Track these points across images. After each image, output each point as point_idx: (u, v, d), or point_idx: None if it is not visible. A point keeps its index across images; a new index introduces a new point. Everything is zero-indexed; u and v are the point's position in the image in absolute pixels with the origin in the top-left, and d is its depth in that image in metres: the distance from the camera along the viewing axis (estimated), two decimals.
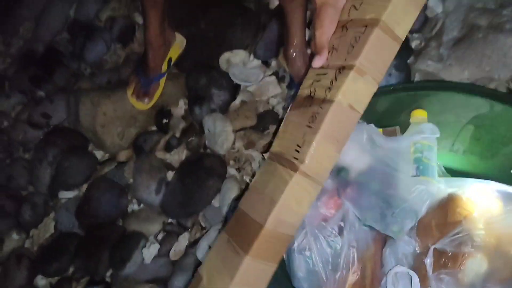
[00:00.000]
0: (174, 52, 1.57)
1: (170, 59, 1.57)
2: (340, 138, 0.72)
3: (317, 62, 0.77)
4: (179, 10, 1.66)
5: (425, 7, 1.46)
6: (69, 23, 2.01)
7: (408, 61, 1.38)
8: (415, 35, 1.45)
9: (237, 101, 1.51)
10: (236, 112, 1.49)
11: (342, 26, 0.76)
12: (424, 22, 1.44)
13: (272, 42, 1.54)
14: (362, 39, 0.70)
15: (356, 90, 0.70)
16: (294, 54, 1.35)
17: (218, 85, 1.52)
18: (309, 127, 0.72)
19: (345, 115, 0.71)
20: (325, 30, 0.77)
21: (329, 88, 0.72)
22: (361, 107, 0.72)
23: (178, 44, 1.58)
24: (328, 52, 0.77)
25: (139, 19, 1.86)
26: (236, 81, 1.54)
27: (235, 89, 1.54)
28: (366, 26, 0.71)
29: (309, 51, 1.42)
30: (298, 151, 0.72)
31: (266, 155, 1.39)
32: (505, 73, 1.23)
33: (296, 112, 0.79)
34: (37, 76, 1.85)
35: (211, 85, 1.52)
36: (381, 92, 0.86)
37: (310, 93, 0.77)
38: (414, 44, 1.43)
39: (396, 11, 0.69)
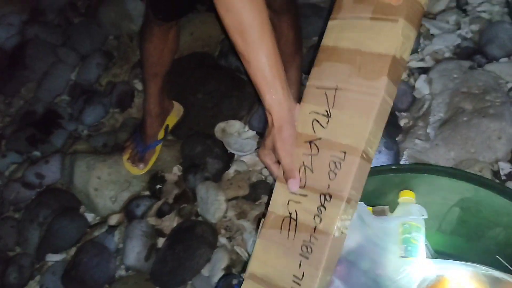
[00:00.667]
0: (171, 119, 1.62)
1: (167, 126, 1.62)
2: (334, 263, 0.75)
3: (294, 186, 0.76)
4: (179, 81, 1.73)
5: (413, 88, 1.54)
6: (70, 86, 2.07)
7: (397, 139, 1.44)
8: (404, 114, 1.52)
9: (230, 170, 1.55)
10: (229, 181, 1.52)
11: (309, 142, 0.77)
12: (412, 102, 1.52)
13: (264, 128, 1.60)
14: (345, 168, 0.72)
15: (346, 217, 0.73)
16: None
17: (213, 154, 1.56)
18: (305, 257, 0.73)
19: (338, 242, 0.74)
20: (290, 152, 0.77)
21: (319, 217, 0.73)
22: (347, 229, 0.74)
23: (176, 112, 1.63)
24: (299, 169, 0.77)
25: (138, 86, 1.93)
26: (230, 150, 1.58)
27: (229, 158, 1.58)
28: (345, 153, 0.73)
29: None
30: (298, 283, 0.73)
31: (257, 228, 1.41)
32: (489, 155, 1.29)
33: (275, 233, 0.78)
34: (35, 136, 1.88)
35: (206, 154, 1.56)
36: (371, 172, 0.90)
37: (290, 215, 0.77)
38: (402, 122, 1.50)
39: (371, 138, 0.73)
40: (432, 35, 1.65)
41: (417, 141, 1.38)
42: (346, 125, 0.74)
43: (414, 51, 1.63)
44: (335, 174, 0.73)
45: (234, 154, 1.58)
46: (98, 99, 1.94)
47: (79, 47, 2.16)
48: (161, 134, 1.59)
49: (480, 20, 1.62)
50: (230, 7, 0.74)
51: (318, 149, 0.76)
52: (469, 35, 1.61)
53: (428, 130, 1.41)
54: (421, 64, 1.60)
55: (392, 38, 0.73)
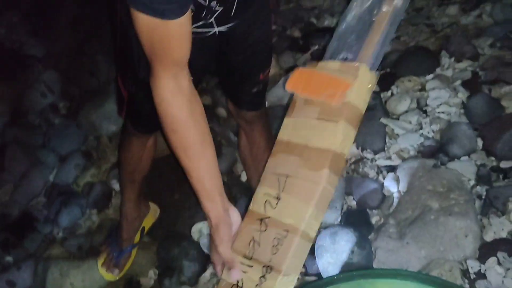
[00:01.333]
0: (148, 221, 1.64)
1: (143, 229, 1.63)
2: None
3: (234, 276, 0.86)
4: (156, 181, 1.77)
5: (382, 186, 1.60)
6: (47, 188, 2.08)
7: (369, 237, 1.47)
8: (375, 211, 1.56)
9: (207, 273, 1.54)
10: (205, 284, 1.50)
11: (260, 219, 0.89)
12: (382, 199, 1.57)
13: (242, 215, 1.62)
14: (286, 245, 0.83)
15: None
16: None
17: (189, 256, 1.56)
18: None
19: None
20: (227, 244, 0.89)
21: (260, 286, 0.83)
22: None
23: (152, 214, 1.65)
24: (249, 243, 0.87)
25: (116, 186, 1.95)
26: (207, 251, 1.58)
27: (206, 260, 1.57)
28: (287, 231, 0.84)
29: None
30: None
31: None
32: (458, 253, 1.32)
33: None
34: (8, 241, 1.85)
35: (182, 256, 1.56)
36: (342, 278, 0.93)
37: (237, 283, 0.87)
38: (374, 220, 1.54)
39: (311, 220, 0.84)
40: (397, 134, 1.75)
41: (388, 239, 1.41)
42: (292, 207, 0.86)
43: (381, 149, 1.72)
44: (277, 249, 0.84)
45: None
46: (75, 200, 1.95)
47: (59, 148, 2.20)
48: (137, 238, 1.59)
49: (440, 120, 1.73)
50: (176, 128, 0.85)
51: (266, 226, 0.88)
52: (431, 135, 1.71)
53: (398, 228, 1.45)
54: (388, 162, 1.67)
55: (333, 136, 0.86)
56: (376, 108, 1.85)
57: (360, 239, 1.41)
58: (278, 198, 0.89)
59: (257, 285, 0.84)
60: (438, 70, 1.94)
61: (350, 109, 0.87)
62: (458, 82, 1.85)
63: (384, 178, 1.63)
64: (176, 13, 0.77)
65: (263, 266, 0.84)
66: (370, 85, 0.92)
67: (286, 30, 2.51)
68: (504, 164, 1.55)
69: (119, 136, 2.00)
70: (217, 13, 1.02)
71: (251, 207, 0.94)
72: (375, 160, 1.70)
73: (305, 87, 0.95)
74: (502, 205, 1.42)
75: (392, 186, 1.58)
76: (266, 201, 0.90)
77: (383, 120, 1.79)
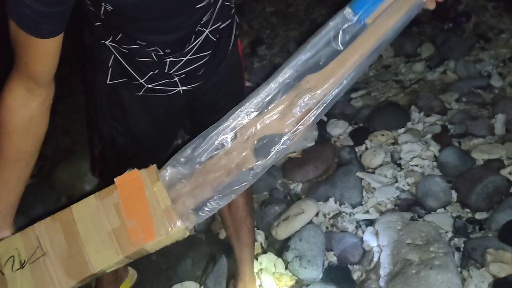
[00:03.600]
0: (125, 286, 1.58)
1: None
2: None
3: None
4: None
5: (362, 240, 1.60)
6: None
7: None
8: (356, 267, 1.55)
9: None
10: None
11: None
12: (363, 254, 1.57)
13: (222, 275, 1.59)
14: None
15: None
16: None
17: None
18: None
19: None
20: None
21: None
22: None
23: (130, 278, 1.59)
24: None
25: None
26: None
27: None
28: None
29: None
30: None
31: None
32: None
33: None
34: None
35: None
36: None
37: None
38: (355, 276, 1.53)
39: None
40: (374, 188, 1.77)
41: None
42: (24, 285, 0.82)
43: (359, 203, 1.74)
44: None
45: None
46: None
47: (30, 211, 2.13)
48: None
49: (414, 173, 1.78)
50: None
51: None
52: (406, 188, 1.74)
53: (380, 283, 1.44)
54: (366, 216, 1.69)
55: (105, 259, 0.82)
56: (352, 163, 1.88)
57: None
58: (21, 265, 0.83)
59: None
60: (409, 124, 2.01)
61: (139, 251, 0.83)
62: (429, 135, 1.91)
63: (363, 232, 1.63)
64: (47, 34, 0.77)
65: None
66: (176, 239, 0.87)
67: None
68: (479, 216, 1.59)
69: None
70: (181, 71, 1.02)
71: None
72: (354, 214, 1.71)
73: (129, 196, 0.85)
74: (480, 257, 1.43)
75: (372, 241, 1.58)
76: (12, 256, 0.84)
77: (359, 174, 1.82)
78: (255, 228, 1.67)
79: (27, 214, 2.12)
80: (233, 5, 1.07)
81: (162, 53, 0.97)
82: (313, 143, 2.06)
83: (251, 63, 2.94)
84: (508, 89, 2.08)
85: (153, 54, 0.97)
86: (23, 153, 0.87)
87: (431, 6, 0.86)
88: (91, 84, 1.10)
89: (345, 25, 0.85)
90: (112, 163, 1.21)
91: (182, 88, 1.07)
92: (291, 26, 3.18)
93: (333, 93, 0.85)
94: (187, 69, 1.03)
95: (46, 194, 2.20)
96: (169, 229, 0.83)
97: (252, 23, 3.40)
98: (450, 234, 1.54)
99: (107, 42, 0.97)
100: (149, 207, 0.84)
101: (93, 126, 1.19)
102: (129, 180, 0.86)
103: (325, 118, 2.16)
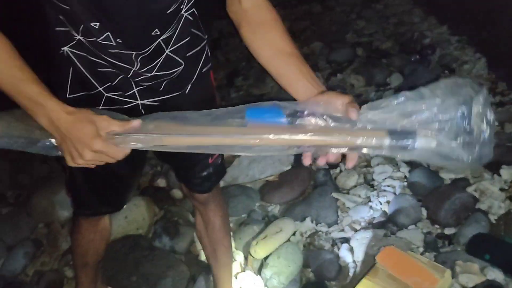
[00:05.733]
0: None
1: None
2: None
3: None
4: (112, 264, 1.73)
5: (337, 257, 1.65)
6: None
7: None
8: (333, 283, 1.60)
9: None
10: None
11: None
12: (339, 270, 1.61)
13: None
14: None
15: None
16: None
17: None
18: None
19: None
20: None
21: None
22: None
23: None
24: None
25: (68, 273, 1.88)
26: None
27: None
28: None
29: None
30: None
31: None
32: None
33: None
34: None
35: None
36: None
37: None
38: None
39: None
40: (348, 208, 1.84)
41: None
42: None
43: (334, 222, 1.80)
44: None
45: None
46: None
47: (6, 238, 2.11)
48: None
49: (386, 193, 1.85)
50: None
51: None
52: (379, 207, 1.81)
53: None
54: (342, 234, 1.74)
55: None
56: (327, 184, 1.95)
57: None
58: None
59: None
60: None
61: None
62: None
63: (339, 249, 1.68)
64: None
65: None
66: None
67: None
68: (448, 231, 1.66)
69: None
70: (139, 83, 1.00)
71: None
72: (329, 233, 1.76)
73: (394, 265, 1.18)
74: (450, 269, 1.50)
75: (347, 257, 1.64)
76: None
77: (334, 195, 1.88)
78: (234, 249, 1.71)
79: (3, 241, 2.11)
80: (202, 35, 1.09)
81: (119, 50, 0.93)
82: (289, 167, 2.13)
83: (227, 94, 3.03)
84: None
85: (111, 52, 0.93)
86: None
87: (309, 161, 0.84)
88: None
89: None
90: (80, 183, 1.18)
91: (141, 102, 1.04)
92: None
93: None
94: (147, 79, 1.01)
95: (22, 221, 2.18)
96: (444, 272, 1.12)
97: (229, 56, 3.52)
98: (421, 249, 1.60)
99: (66, 48, 0.96)
100: (417, 263, 1.13)
101: None
102: (386, 254, 1.21)
103: None
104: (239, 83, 3.11)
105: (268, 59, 0.93)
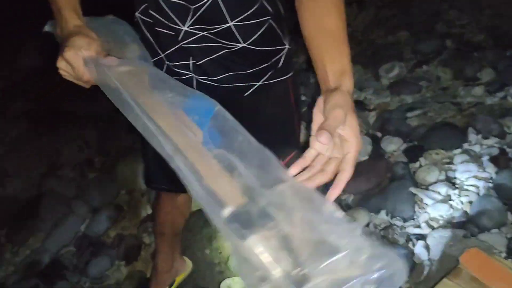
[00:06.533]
0: (180, 277, 1.65)
1: (173, 282, 1.64)
2: None
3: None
4: (187, 236, 1.81)
5: (412, 253, 1.62)
6: (78, 238, 2.13)
7: None
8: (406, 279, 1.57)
9: None
10: None
11: None
12: (412, 267, 1.58)
13: None
14: None
15: None
16: None
17: None
18: None
19: None
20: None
21: None
22: None
23: (185, 271, 1.66)
24: None
25: (147, 239, 1.99)
26: None
27: None
28: None
29: None
30: None
31: None
32: None
33: None
34: (37, 287, 1.87)
35: None
36: None
37: None
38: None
39: None
40: (426, 204, 1.78)
41: None
42: None
43: (410, 218, 1.75)
44: None
45: None
46: (105, 251, 1.98)
47: (92, 201, 2.27)
48: None
49: (468, 192, 1.77)
50: None
51: None
52: (460, 206, 1.74)
53: None
54: (417, 231, 1.70)
55: None
56: (405, 178, 1.90)
57: None
58: None
59: None
60: (465, 145, 2.01)
61: None
62: (486, 157, 1.91)
63: (413, 246, 1.64)
64: None
65: None
66: None
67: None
68: None
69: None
70: (194, 45, 0.95)
71: None
72: (405, 228, 1.72)
73: (479, 267, 1.15)
74: None
75: (423, 254, 1.60)
76: None
77: (412, 189, 1.83)
78: None
79: (89, 204, 2.26)
80: (282, 37, 1.02)
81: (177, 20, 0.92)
82: (366, 158, 2.09)
83: (307, 79, 3.01)
84: None
85: (170, 24, 0.93)
86: None
87: None
88: None
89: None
90: (149, 159, 1.19)
91: (197, 77, 1.00)
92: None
93: None
94: (202, 47, 0.95)
95: (107, 187, 2.33)
96: None
97: None
98: (503, 254, 1.53)
99: (137, 14, 0.98)
100: (503, 267, 1.12)
101: None
102: (471, 256, 1.18)
103: (379, 134, 2.19)
104: None
105: (308, 34, 0.86)
